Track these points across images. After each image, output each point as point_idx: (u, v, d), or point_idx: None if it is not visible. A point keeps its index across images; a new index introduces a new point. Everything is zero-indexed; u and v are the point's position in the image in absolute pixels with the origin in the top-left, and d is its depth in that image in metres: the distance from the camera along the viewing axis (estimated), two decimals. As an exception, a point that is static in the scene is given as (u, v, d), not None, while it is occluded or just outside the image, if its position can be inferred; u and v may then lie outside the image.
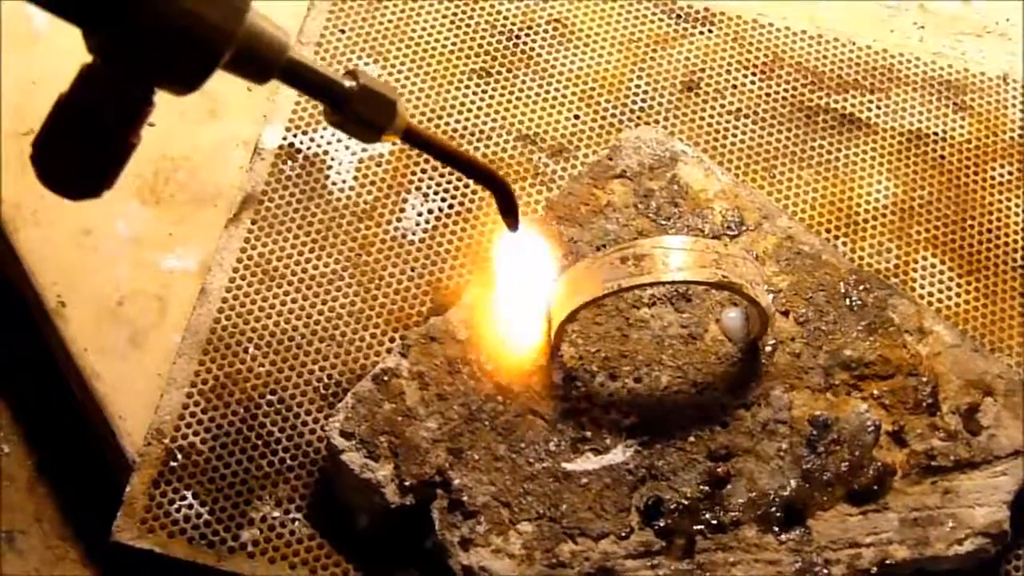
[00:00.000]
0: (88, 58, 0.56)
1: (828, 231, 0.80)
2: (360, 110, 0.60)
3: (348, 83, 0.59)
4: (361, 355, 0.74)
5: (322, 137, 0.81)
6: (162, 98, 0.82)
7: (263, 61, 0.57)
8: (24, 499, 0.81)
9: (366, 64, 0.84)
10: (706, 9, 0.87)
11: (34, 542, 0.79)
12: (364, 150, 0.80)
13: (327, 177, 0.80)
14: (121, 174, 0.57)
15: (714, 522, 0.67)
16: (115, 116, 0.55)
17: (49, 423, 0.82)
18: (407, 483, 0.67)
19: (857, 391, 0.71)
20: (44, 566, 0.79)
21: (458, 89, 0.83)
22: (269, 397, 0.72)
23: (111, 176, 0.57)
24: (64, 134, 0.55)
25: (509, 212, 0.67)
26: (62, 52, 0.84)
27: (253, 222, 0.77)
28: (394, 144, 0.78)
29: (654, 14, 0.87)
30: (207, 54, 0.54)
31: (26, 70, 0.83)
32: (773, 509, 0.68)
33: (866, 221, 0.80)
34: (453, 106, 0.82)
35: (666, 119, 0.83)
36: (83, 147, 0.56)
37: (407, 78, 0.83)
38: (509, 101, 0.83)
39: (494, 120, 0.82)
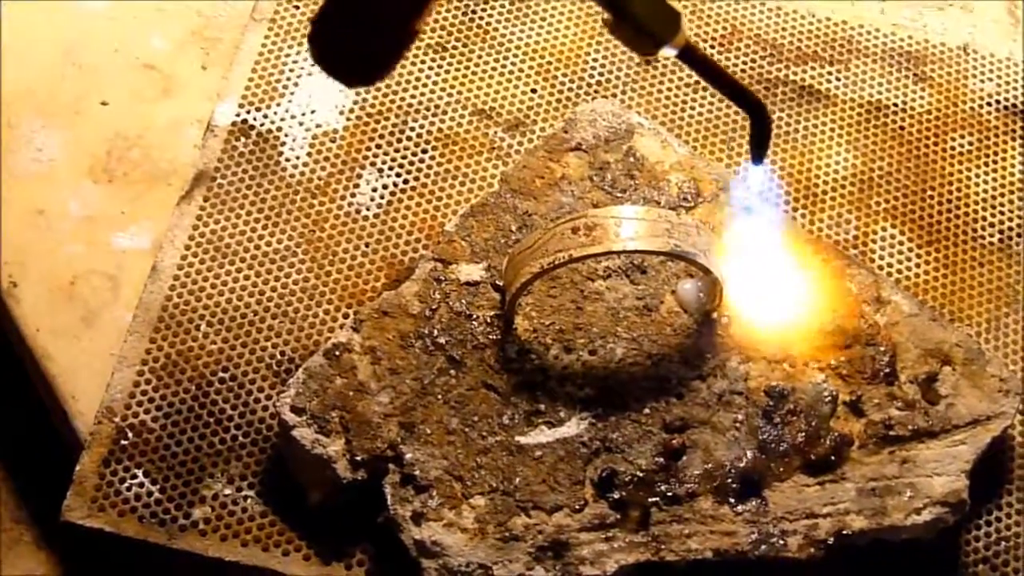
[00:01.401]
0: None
1: (788, 202, 0.79)
2: (642, 16, 0.57)
3: None
4: (314, 331, 0.73)
5: (275, 114, 0.80)
6: (114, 77, 0.82)
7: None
8: (-22, 483, 0.80)
9: (321, 40, 0.83)
10: (665, -18, 0.86)
11: (-11, 525, 0.79)
12: (318, 126, 0.80)
13: (280, 154, 0.79)
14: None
15: (669, 494, 0.66)
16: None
17: (2, 405, 0.82)
18: (359, 458, 0.66)
19: (814, 361, 0.70)
20: (-1, 549, 0.78)
21: (414, 64, 0.82)
22: (221, 374, 0.72)
23: (392, 64, 0.53)
24: (347, 13, 0.51)
25: (760, 144, 0.65)
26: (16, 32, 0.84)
27: (205, 199, 0.77)
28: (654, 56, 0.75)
29: (612, -12, 0.86)
30: None
31: None
32: (729, 480, 0.67)
33: (825, 192, 0.80)
34: (409, 81, 0.82)
35: (623, 92, 0.82)
36: (367, 30, 0.51)
37: (362, 54, 0.82)
38: (465, 76, 0.82)
39: (450, 95, 0.81)
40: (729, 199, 0.73)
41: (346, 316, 0.74)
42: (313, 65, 0.81)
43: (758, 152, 0.66)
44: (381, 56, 0.53)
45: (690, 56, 0.60)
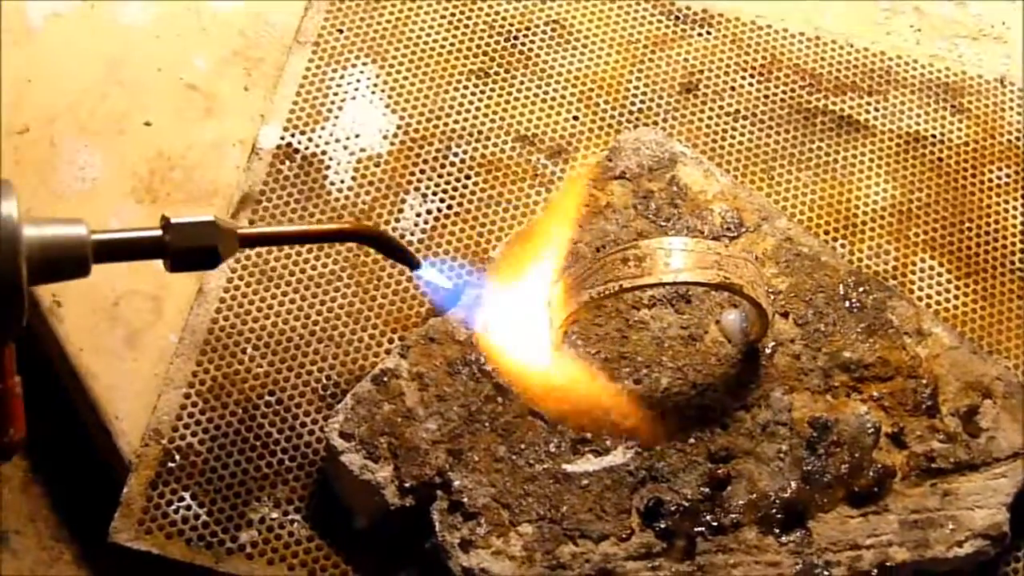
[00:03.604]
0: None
1: (827, 233, 0.80)
2: (182, 244, 0.59)
3: (155, 232, 0.59)
4: (360, 356, 0.74)
5: (320, 137, 0.80)
6: (157, 97, 0.83)
7: (72, 263, 0.56)
8: (18, 499, 0.80)
9: (364, 64, 0.83)
10: (704, 10, 0.87)
11: (29, 543, 0.79)
12: (362, 150, 0.80)
13: (325, 177, 0.79)
14: None
15: (714, 524, 0.67)
16: None
17: (44, 423, 0.82)
18: (407, 484, 0.67)
19: (857, 393, 0.71)
20: (39, 567, 0.78)
21: (456, 89, 0.83)
22: (267, 398, 0.72)
23: None
24: None
25: (398, 252, 0.67)
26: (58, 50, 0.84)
27: (251, 222, 0.77)
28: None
29: (652, 15, 0.87)
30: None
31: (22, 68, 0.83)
32: (773, 511, 0.67)
33: (864, 223, 0.80)
34: (452, 107, 0.82)
35: (664, 120, 0.83)
36: None
37: (405, 78, 0.83)
38: (507, 102, 0.83)
39: (492, 121, 0.82)
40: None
41: (391, 341, 0.74)
42: (357, 89, 0.82)
43: (406, 260, 0.68)
44: None
45: (252, 240, 0.64)
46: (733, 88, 0.84)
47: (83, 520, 0.79)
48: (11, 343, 0.59)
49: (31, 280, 0.55)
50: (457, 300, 0.72)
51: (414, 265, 0.69)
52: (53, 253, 0.56)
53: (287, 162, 0.79)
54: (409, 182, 0.79)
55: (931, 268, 0.79)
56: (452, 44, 0.85)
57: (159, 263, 0.75)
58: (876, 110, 0.84)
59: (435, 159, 0.80)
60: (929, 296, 0.78)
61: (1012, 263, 0.79)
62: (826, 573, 0.66)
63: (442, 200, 0.79)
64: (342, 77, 0.83)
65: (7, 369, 0.59)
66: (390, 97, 0.82)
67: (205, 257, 0.60)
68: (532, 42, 0.85)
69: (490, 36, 0.85)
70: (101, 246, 0.58)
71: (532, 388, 0.69)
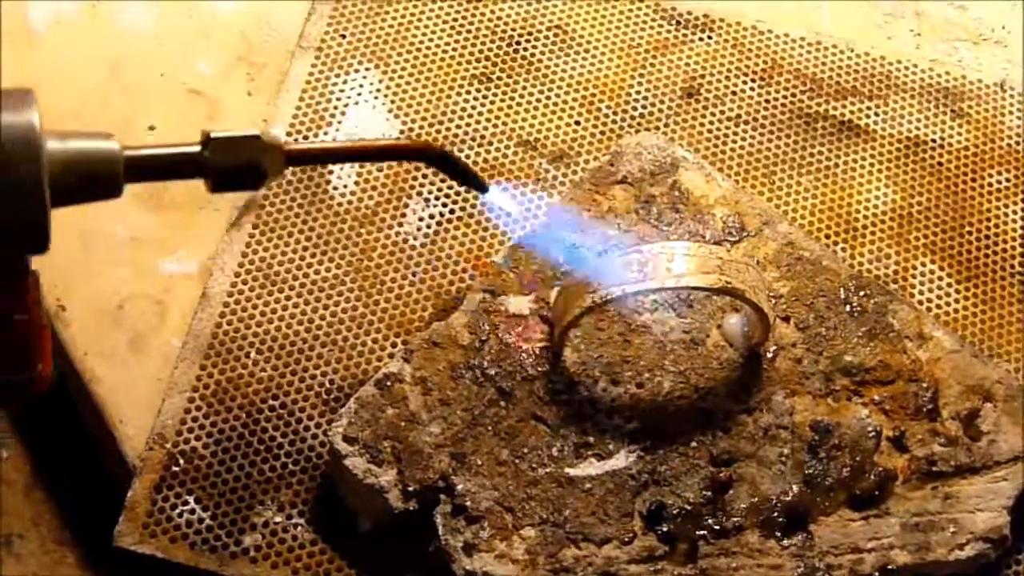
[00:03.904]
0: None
1: (828, 237, 0.80)
2: (223, 161, 0.56)
3: (194, 148, 0.56)
4: (363, 360, 0.74)
5: (323, 141, 0.81)
6: (160, 101, 0.83)
7: (101, 181, 0.53)
8: (22, 503, 0.80)
9: (367, 69, 0.84)
10: (705, 15, 0.88)
11: (32, 546, 0.79)
12: (365, 154, 0.80)
13: (328, 182, 0.79)
14: None
15: (717, 527, 0.67)
16: None
17: (47, 426, 0.82)
18: (410, 488, 0.67)
19: (858, 396, 0.71)
20: (42, 570, 0.79)
21: (459, 94, 0.83)
22: (271, 402, 0.72)
23: None
24: None
25: (464, 174, 0.64)
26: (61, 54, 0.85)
27: (254, 226, 0.77)
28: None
29: (654, 20, 0.87)
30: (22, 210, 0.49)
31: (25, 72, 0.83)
32: (775, 514, 0.68)
33: (865, 227, 0.80)
34: (454, 111, 0.82)
35: (666, 125, 0.83)
36: None
37: (408, 83, 0.83)
38: (509, 106, 0.83)
39: (495, 126, 0.82)
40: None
41: (394, 345, 0.74)
42: (359, 93, 0.82)
43: (474, 182, 0.64)
44: None
45: (302, 157, 0.61)
46: (734, 93, 0.85)
47: (87, 524, 0.79)
48: (37, 273, 0.54)
49: (57, 200, 0.51)
50: (521, 226, 0.70)
51: (482, 187, 0.65)
52: (81, 168, 0.52)
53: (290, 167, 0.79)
54: (412, 186, 0.80)
55: (932, 272, 0.79)
56: (454, 49, 0.85)
57: (162, 265, 0.76)
58: (876, 114, 0.85)
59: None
60: (930, 300, 0.78)
61: (1012, 267, 0.80)
62: (828, 576, 0.67)
63: (444, 204, 0.79)
64: (345, 82, 0.83)
65: (31, 298, 0.54)
66: (392, 102, 0.83)
67: (248, 175, 0.56)
68: (534, 47, 0.85)
69: (492, 41, 0.85)
70: (134, 162, 0.54)
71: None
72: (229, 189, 0.57)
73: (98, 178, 0.53)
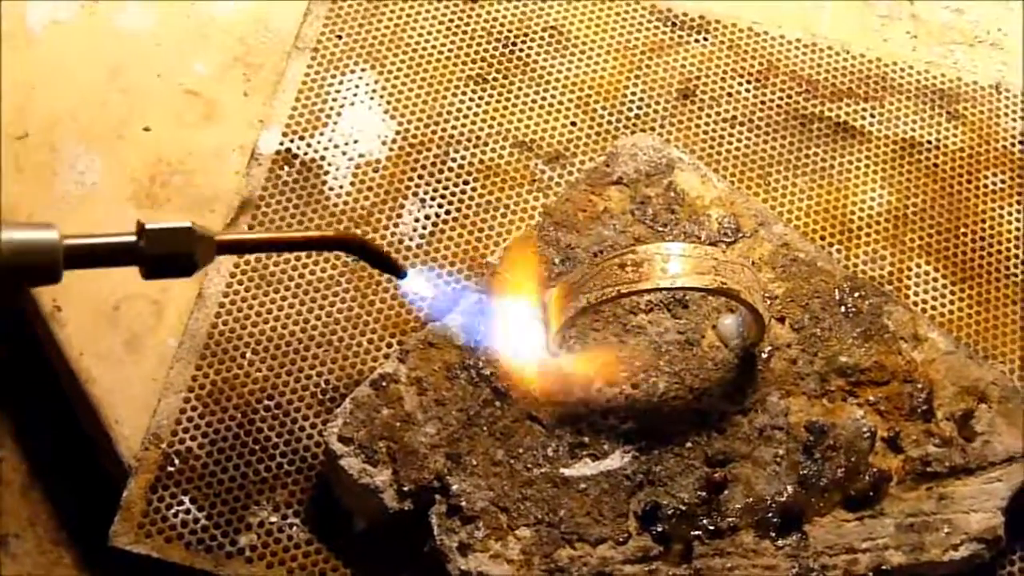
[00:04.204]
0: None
1: (823, 238, 0.80)
2: (157, 251, 0.58)
3: (129, 238, 0.58)
4: (359, 360, 0.74)
5: (318, 143, 0.81)
6: (157, 102, 0.83)
7: (41, 269, 0.55)
8: (18, 503, 0.80)
9: (363, 70, 0.84)
10: (701, 17, 0.88)
11: (28, 546, 0.79)
12: (361, 155, 0.81)
13: (324, 183, 0.80)
14: None
15: (711, 528, 0.67)
16: None
17: (43, 427, 0.82)
18: (405, 488, 0.67)
19: (853, 397, 0.71)
20: (38, 570, 0.79)
21: (455, 95, 0.83)
22: (267, 402, 0.72)
23: None
24: None
25: (382, 261, 0.66)
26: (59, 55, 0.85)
27: (250, 227, 0.77)
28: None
29: (650, 21, 0.87)
30: None
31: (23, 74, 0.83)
32: (770, 515, 0.68)
33: (860, 228, 0.81)
34: (450, 112, 0.83)
35: (662, 126, 0.83)
36: None
37: (404, 84, 0.84)
38: (505, 107, 0.83)
39: (490, 126, 0.82)
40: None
41: (390, 346, 0.74)
42: (356, 94, 0.82)
43: (392, 269, 0.67)
44: None
45: (232, 247, 0.63)
46: (730, 94, 0.85)
47: (83, 524, 0.80)
48: None
49: None
50: (446, 308, 0.72)
51: (399, 274, 0.68)
52: (23, 258, 0.55)
53: (286, 167, 0.80)
54: (408, 187, 0.80)
55: (927, 273, 0.79)
56: (450, 50, 0.85)
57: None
58: (872, 116, 0.85)
59: (433, 165, 0.81)
60: (925, 301, 0.78)
61: (1007, 268, 0.80)
62: (822, 576, 0.67)
63: (440, 205, 0.79)
64: (341, 83, 0.83)
65: None
66: (389, 103, 0.83)
67: (181, 264, 0.59)
68: (530, 48, 0.85)
69: (488, 42, 0.86)
70: (72, 251, 0.56)
71: (531, 393, 0.69)
72: (162, 276, 0.60)
73: (37, 268, 0.56)
